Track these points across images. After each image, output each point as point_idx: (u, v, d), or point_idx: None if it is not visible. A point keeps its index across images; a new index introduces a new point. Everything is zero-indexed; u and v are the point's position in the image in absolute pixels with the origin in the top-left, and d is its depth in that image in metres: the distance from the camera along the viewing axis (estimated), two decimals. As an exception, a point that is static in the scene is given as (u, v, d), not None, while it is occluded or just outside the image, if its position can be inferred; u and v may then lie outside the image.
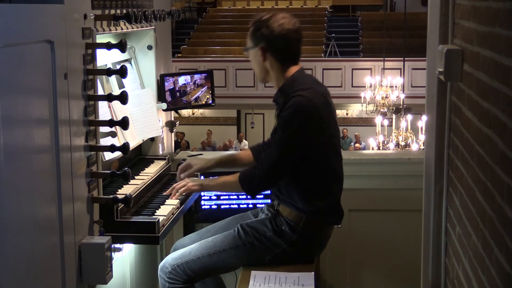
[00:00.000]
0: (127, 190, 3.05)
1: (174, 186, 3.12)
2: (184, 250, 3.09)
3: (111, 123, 2.73)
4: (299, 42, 2.99)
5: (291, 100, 2.85)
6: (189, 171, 3.22)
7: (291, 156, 2.89)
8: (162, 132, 3.75)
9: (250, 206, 3.84)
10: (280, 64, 2.97)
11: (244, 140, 17.13)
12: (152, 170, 3.46)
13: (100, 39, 2.79)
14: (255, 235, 3.00)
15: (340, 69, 15.94)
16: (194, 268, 3.01)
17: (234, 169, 3.21)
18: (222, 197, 3.85)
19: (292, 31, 2.94)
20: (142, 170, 3.45)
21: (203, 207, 3.84)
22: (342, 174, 3.07)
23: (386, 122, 11.49)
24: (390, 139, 10.67)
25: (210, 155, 4.29)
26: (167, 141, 3.90)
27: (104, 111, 2.96)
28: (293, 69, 2.99)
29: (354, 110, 18.11)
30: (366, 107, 12.72)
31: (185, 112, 17.27)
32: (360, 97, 13.10)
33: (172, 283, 3.03)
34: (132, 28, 3.13)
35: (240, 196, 3.85)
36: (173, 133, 4.02)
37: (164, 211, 3.06)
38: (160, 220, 2.89)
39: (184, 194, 3.15)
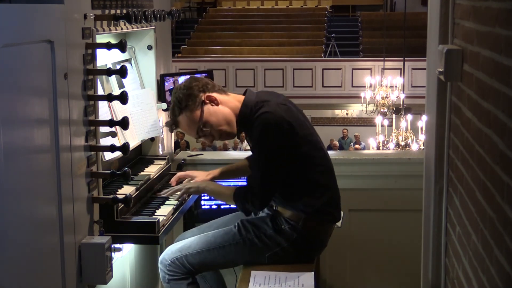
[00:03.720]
0: (127, 190, 3.04)
1: (173, 188, 3.18)
2: (184, 243, 3.11)
3: (111, 123, 2.73)
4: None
5: (256, 121, 2.87)
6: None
7: (275, 172, 2.91)
8: (162, 132, 3.75)
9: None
10: (225, 95, 3.03)
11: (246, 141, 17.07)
12: (152, 170, 3.46)
13: (100, 39, 2.79)
14: (255, 232, 3.01)
15: (340, 69, 15.94)
16: (193, 262, 3.04)
17: (235, 177, 3.34)
18: (222, 197, 3.85)
19: (193, 76, 3.13)
20: (142, 170, 3.45)
21: (203, 207, 3.84)
22: (331, 165, 3.08)
23: (386, 122, 11.49)
24: (390, 139, 10.67)
25: (210, 156, 4.29)
26: (167, 141, 3.90)
27: (104, 111, 2.96)
28: (240, 96, 3.04)
29: (354, 110, 18.11)
30: (366, 107, 12.71)
31: (185, 112, 17.23)
32: (360, 97, 13.10)
33: (172, 276, 3.07)
34: (132, 28, 3.13)
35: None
36: (173, 133, 4.02)
37: (164, 211, 3.06)
38: (160, 220, 2.89)
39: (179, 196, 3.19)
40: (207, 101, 2.96)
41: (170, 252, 3.10)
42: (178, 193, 3.15)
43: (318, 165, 3.00)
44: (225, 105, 3.00)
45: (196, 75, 3.13)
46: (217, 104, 2.98)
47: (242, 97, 3.03)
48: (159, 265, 3.12)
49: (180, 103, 2.96)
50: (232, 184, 3.59)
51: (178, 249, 3.08)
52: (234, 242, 3.03)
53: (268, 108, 2.88)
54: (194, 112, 2.96)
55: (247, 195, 2.94)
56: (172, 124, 3.04)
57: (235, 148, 16.20)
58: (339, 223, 3.12)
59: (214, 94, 2.99)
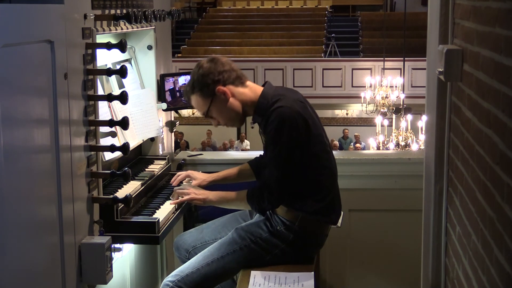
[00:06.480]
0: (127, 190, 3.04)
1: (177, 191, 3.15)
2: (181, 266, 3.09)
3: (111, 123, 2.73)
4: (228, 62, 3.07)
5: (272, 114, 2.87)
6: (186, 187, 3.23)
7: (290, 168, 2.90)
8: (162, 132, 3.75)
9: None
10: (241, 87, 3.01)
11: (245, 140, 17.11)
12: (152, 170, 3.46)
13: (100, 39, 2.79)
14: (251, 238, 3.00)
15: (340, 69, 15.95)
16: (194, 280, 2.98)
17: (236, 182, 3.30)
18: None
19: (217, 58, 3.07)
20: (142, 170, 3.45)
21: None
22: (336, 169, 3.08)
23: (386, 122, 11.49)
24: (390, 139, 10.67)
25: (210, 156, 4.29)
26: (167, 141, 3.90)
27: (104, 111, 2.96)
28: (257, 87, 3.03)
29: (354, 110, 18.11)
30: (366, 107, 12.72)
31: (185, 112, 17.24)
32: (360, 97, 13.11)
33: None
34: (132, 28, 3.13)
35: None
36: (173, 133, 4.02)
37: (164, 211, 3.06)
38: (160, 220, 2.89)
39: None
40: (218, 93, 2.97)
41: (170, 277, 3.03)
42: (184, 197, 3.11)
43: (325, 167, 3.00)
44: (238, 97, 3.00)
45: (219, 57, 3.09)
46: (227, 99, 2.98)
47: (260, 89, 3.03)
48: None
49: (194, 86, 3.03)
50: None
51: (177, 272, 3.03)
52: (232, 250, 3.00)
53: (285, 102, 2.88)
54: (204, 98, 3.01)
55: (263, 194, 2.92)
56: (186, 98, 3.15)
57: (231, 148, 16.21)
58: (339, 223, 3.12)
59: (228, 88, 2.98)
